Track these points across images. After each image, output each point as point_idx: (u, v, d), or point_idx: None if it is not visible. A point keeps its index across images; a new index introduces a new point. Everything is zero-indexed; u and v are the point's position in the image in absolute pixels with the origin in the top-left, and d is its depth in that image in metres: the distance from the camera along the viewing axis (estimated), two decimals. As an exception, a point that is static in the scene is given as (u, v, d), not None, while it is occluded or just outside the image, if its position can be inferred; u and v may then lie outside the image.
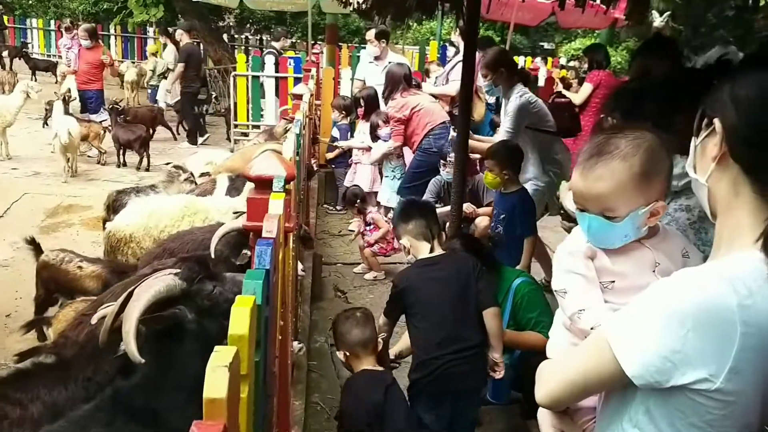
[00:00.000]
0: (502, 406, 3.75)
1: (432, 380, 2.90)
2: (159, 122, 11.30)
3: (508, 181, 4.62)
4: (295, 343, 3.36)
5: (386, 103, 6.86)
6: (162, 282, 1.98)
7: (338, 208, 8.13)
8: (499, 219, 4.73)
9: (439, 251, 3.16)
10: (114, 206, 5.67)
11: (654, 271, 1.66)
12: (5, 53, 18.22)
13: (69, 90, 10.36)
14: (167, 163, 7.23)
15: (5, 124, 9.80)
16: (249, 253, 2.84)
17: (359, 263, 6.43)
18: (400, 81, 6.65)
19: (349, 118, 8.12)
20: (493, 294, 3.11)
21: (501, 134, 5.22)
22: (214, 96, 12.54)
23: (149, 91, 13.99)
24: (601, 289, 1.68)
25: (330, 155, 8.09)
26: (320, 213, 7.91)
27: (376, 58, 7.94)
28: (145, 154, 9.90)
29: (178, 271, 2.07)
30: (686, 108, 1.52)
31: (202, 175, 7.78)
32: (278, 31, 12.77)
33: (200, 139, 11.62)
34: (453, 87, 6.98)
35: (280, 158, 2.70)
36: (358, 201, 6.32)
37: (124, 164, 10.07)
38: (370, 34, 7.91)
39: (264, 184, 2.54)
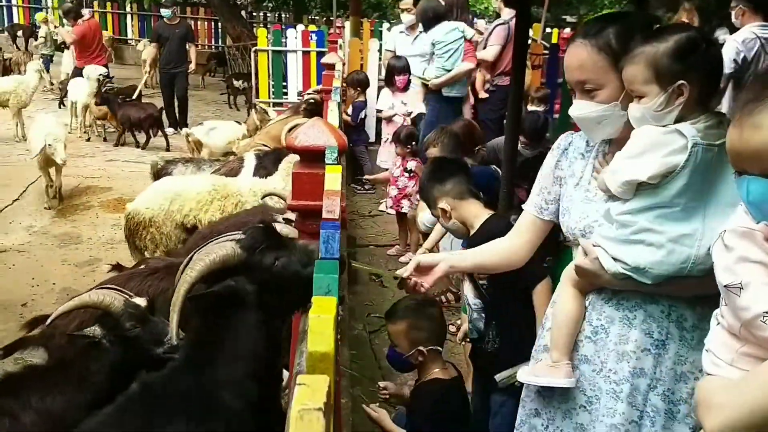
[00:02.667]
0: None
1: None
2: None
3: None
4: None
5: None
6: (220, 250, 1.87)
7: (367, 188, 7.75)
8: None
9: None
10: (160, 175, 5.38)
11: None
12: (19, 33, 17.96)
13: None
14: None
15: (20, 104, 9.55)
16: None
17: (393, 245, 6.07)
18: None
19: (364, 94, 7.69)
20: None
21: None
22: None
23: (40, 60, 13.44)
24: None
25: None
26: (348, 193, 7.55)
27: (409, 28, 7.49)
28: (160, 133, 9.64)
29: (241, 237, 1.94)
30: None
31: (226, 154, 7.49)
32: None
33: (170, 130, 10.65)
34: (491, 51, 6.55)
35: (329, 126, 2.32)
36: (414, 143, 5.81)
37: (124, 143, 9.82)
38: (407, 2, 7.46)
39: (312, 157, 2.18)
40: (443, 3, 6.36)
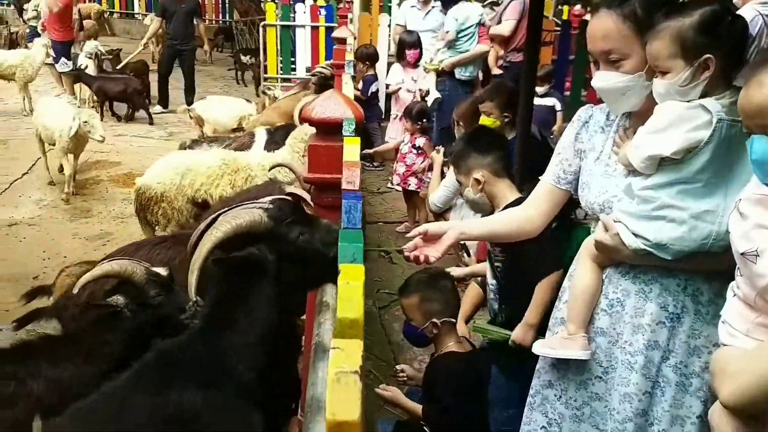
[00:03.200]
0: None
1: None
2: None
3: (508, 125, 4.10)
4: None
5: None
6: (248, 215, 1.85)
7: (375, 164, 7.71)
8: None
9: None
10: None
11: None
12: (26, 6, 17.83)
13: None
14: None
15: (26, 78, 9.51)
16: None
17: (401, 222, 6.06)
18: None
19: (374, 68, 7.59)
20: None
21: None
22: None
23: (27, 30, 13.28)
24: None
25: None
26: (357, 169, 7.53)
27: (421, 2, 7.37)
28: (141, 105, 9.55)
29: (269, 207, 1.91)
30: None
31: (235, 130, 7.47)
32: None
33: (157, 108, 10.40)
34: (506, 26, 6.47)
35: (345, 98, 2.31)
36: (424, 120, 5.77)
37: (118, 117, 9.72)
38: None
39: (330, 129, 2.17)
40: None
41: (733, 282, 1.43)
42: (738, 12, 1.78)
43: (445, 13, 6.67)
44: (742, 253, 1.35)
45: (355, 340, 0.84)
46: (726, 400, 1.24)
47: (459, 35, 6.17)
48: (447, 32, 6.35)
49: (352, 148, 1.89)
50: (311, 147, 2.20)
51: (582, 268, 1.93)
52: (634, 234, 1.73)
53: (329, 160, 2.12)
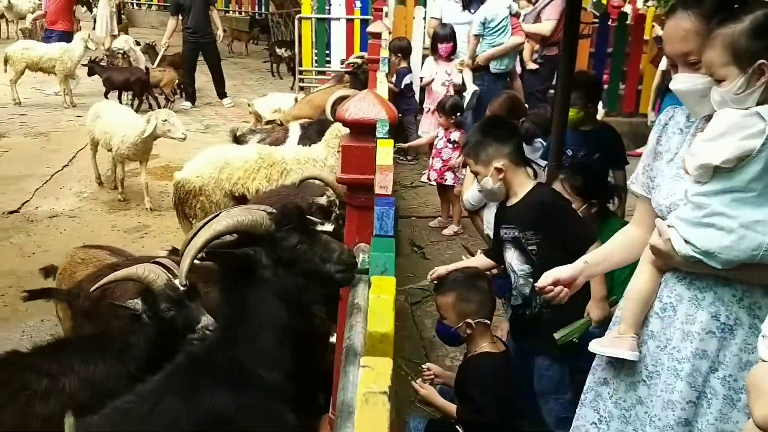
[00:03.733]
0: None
1: None
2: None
3: (590, 115, 4.03)
4: None
5: None
6: (250, 214, 1.86)
7: (409, 158, 7.69)
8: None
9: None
10: (240, 142, 5.54)
11: None
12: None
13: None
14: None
15: (66, 71, 9.70)
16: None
17: (434, 216, 6.04)
18: None
19: (407, 61, 7.55)
20: None
21: None
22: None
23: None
24: None
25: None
26: (391, 163, 7.51)
27: (458, -6, 7.29)
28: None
29: (273, 211, 1.92)
30: None
31: (268, 122, 7.51)
32: None
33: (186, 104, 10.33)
34: (547, 26, 6.39)
35: (379, 98, 2.29)
36: (458, 114, 5.72)
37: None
38: None
39: (363, 129, 2.16)
40: None
41: None
42: None
43: (473, 12, 6.61)
44: None
45: (386, 358, 0.83)
46: (759, 420, 1.21)
47: (491, 31, 6.10)
48: (475, 36, 6.28)
49: (385, 151, 1.88)
50: (344, 147, 2.19)
51: (640, 270, 1.93)
52: (684, 240, 1.71)
53: (362, 161, 2.11)
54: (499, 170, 2.67)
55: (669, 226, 1.76)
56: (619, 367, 1.96)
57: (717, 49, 1.62)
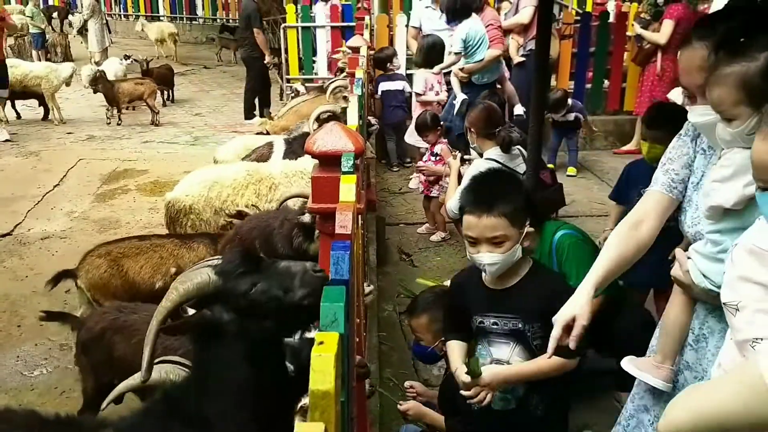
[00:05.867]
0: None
1: None
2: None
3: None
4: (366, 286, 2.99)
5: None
6: (195, 277, 1.75)
7: (395, 168, 7.77)
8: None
9: None
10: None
11: None
12: (54, 14, 18.20)
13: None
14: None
15: (52, 89, 9.74)
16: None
17: (422, 223, 6.10)
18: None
19: (383, 69, 7.52)
20: None
21: None
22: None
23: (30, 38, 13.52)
24: None
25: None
26: (379, 170, 7.57)
27: (435, 1, 7.24)
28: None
29: (216, 263, 1.80)
30: None
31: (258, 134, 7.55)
32: None
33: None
34: (526, 14, 6.43)
35: (346, 129, 2.35)
36: (439, 126, 5.76)
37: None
38: None
39: (330, 161, 2.22)
40: None
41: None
42: None
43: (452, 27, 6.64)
44: (724, 303, 1.35)
45: (318, 423, 0.90)
46: (661, 428, 1.26)
47: (471, 49, 6.15)
48: (456, 53, 6.30)
49: (348, 188, 1.92)
50: (314, 178, 2.24)
51: (675, 301, 1.92)
52: (702, 274, 1.71)
53: (331, 191, 2.15)
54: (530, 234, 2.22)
55: (688, 258, 1.76)
56: (659, 394, 1.96)
57: (729, 87, 1.54)
